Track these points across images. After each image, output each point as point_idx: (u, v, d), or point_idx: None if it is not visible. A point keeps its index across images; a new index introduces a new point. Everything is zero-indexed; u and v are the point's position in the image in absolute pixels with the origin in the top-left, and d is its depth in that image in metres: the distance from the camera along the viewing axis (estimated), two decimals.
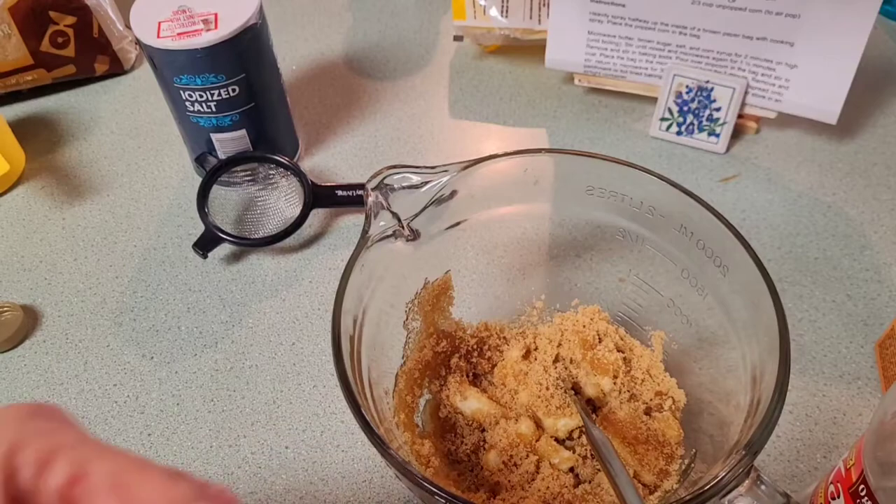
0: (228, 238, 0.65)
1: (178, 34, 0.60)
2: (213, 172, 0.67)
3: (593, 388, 0.50)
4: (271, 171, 0.69)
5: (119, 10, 0.82)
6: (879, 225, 0.67)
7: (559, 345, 0.52)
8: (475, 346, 0.54)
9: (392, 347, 0.51)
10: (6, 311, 0.61)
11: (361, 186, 0.69)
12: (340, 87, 0.82)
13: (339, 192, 0.68)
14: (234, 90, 0.63)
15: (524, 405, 0.50)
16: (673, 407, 0.50)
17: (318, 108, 0.80)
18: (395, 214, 0.48)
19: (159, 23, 0.61)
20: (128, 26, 0.82)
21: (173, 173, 0.74)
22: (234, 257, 0.66)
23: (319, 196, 0.67)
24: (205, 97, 0.63)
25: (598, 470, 0.48)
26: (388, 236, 0.47)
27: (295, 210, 0.67)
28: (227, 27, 0.61)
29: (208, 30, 0.60)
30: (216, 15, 0.61)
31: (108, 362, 0.59)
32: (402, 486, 0.52)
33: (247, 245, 0.66)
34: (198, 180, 0.69)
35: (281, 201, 0.69)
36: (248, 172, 0.69)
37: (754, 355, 0.44)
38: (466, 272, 0.55)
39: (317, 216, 0.69)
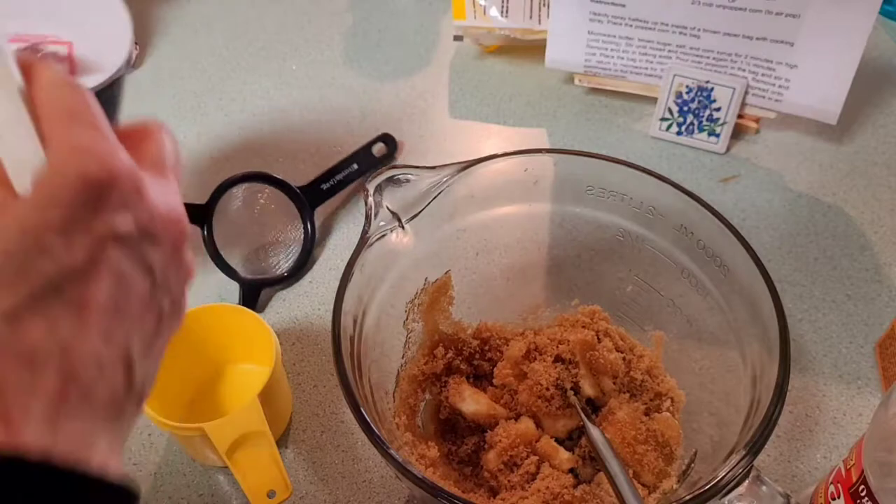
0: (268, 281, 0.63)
1: None
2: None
3: (593, 388, 0.50)
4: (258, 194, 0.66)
5: None
6: (879, 225, 0.67)
7: (559, 345, 0.52)
8: (477, 349, 0.54)
9: (392, 347, 0.51)
10: None
11: (340, 167, 0.69)
12: (340, 87, 0.82)
13: (323, 186, 0.67)
14: None
15: (524, 405, 0.50)
16: (672, 407, 0.50)
17: (318, 109, 0.79)
18: (395, 214, 0.48)
19: None
20: None
21: None
22: None
23: (314, 200, 0.67)
24: None
25: (598, 470, 0.48)
26: (388, 236, 0.47)
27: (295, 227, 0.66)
28: (86, 76, 0.45)
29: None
30: (70, 50, 0.45)
31: None
32: (402, 486, 0.52)
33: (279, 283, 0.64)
34: None
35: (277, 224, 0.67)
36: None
37: (754, 355, 0.44)
38: (466, 272, 0.55)
39: (317, 216, 0.69)
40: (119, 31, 0.47)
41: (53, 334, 0.24)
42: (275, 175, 0.64)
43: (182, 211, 0.30)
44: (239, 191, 0.64)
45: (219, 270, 0.62)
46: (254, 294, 0.62)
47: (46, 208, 0.24)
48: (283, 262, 0.64)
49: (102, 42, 0.46)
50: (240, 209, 0.64)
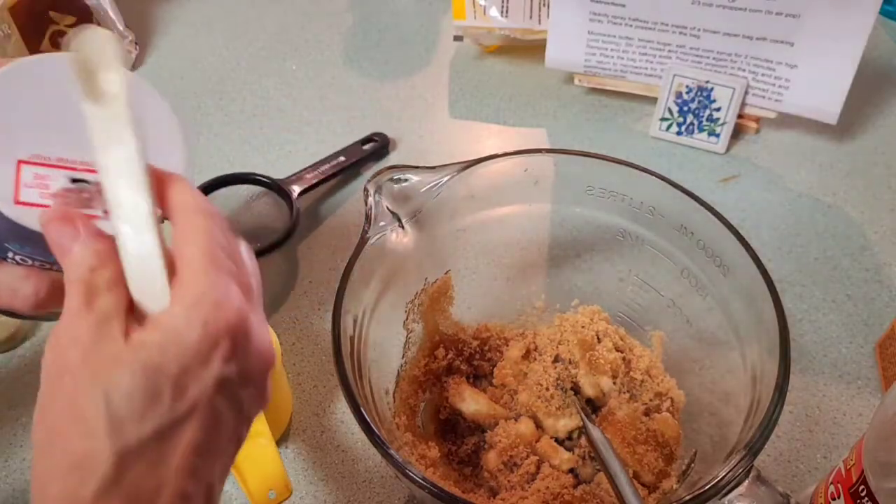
0: None
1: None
2: None
3: (593, 388, 0.50)
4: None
5: (119, 10, 0.81)
6: (879, 225, 0.67)
7: (559, 345, 0.52)
8: (477, 349, 0.54)
9: (392, 347, 0.51)
10: None
11: (327, 159, 0.69)
12: (340, 87, 0.82)
13: (308, 176, 0.68)
14: None
15: (524, 405, 0.50)
16: (672, 408, 0.50)
17: (318, 109, 0.79)
18: (395, 214, 0.48)
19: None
20: (128, 26, 0.82)
21: None
22: None
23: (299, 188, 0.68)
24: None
25: (598, 470, 0.48)
26: (387, 236, 0.47)
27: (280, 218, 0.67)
28: None
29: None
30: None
31: None
32: (402, 486, 0.52)
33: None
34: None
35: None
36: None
37: (754, 355, 0.44)
38: (466, 272, 0.55)
39: (316, 217, 0.69)
40: (172, 165, 0.36)
41: (153, 474, 0.26)
42: (252, 174, 0.66)
43: (271, 344, 0.31)
44: (220, 192, 0.65)
45: None
46: None
47: (169, 355, 0.26)
48: (269, 240, 0.65)
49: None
50: (224, 205, 0.66)
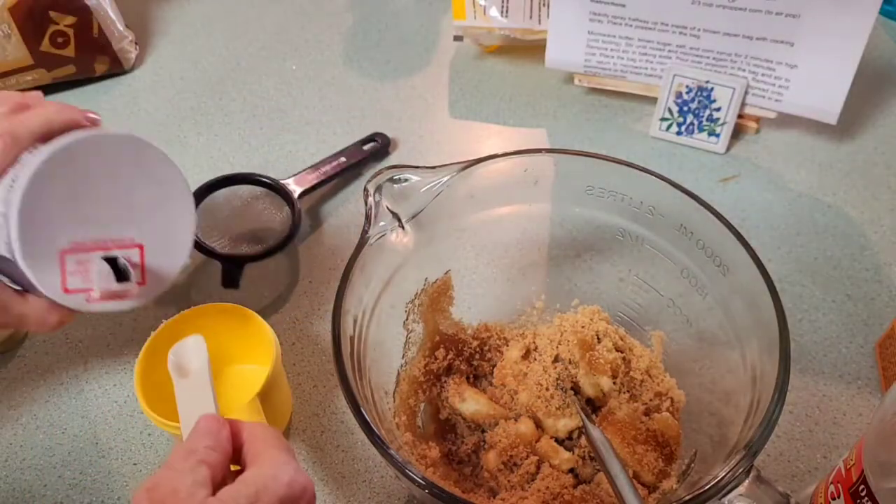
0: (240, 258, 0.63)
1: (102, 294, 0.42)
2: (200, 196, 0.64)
3: (593, 388, 0.50)
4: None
5: (119, 10, 0.81)
6: (879, 225, 0.67)
7: (559, 345, 0.52)
8: (477, 349, 0.54)
9: (392, 347, 0.51)
10: None
11: (328, 160, 0.69)
12: (340, 87, 0.82)
13: (309, 177, 0.68)
14: None
15: (524, 405, 0.50)
16: (672, 407, 0.50)
17: (318, 109, 0.80)
18: (395, 215, 0.48)
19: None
20: (128, 26, 0.82)
21: None
22: None
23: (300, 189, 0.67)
24: None
25: (598, 470, 0.48)
26: (387, 236, 0.47)
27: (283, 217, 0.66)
28: (157, 280, 0.44)
29: (139, 284, 0.43)
30: (141, 256, 0.43)
31: (108, 362, 0.59)
32: (402, 486, 0.52)
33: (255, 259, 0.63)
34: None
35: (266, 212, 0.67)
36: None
37: (754, 355, 0.44)
38: (466, 272, 0.55)
39: (316, 217, 0.69)
40: (184, 227, 0.44)
41: None
42: (254, 174, 0.65)
43: None
44: (221, 192, 0.65)
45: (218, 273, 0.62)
46: (235, 271, 0.62)
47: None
48: (269, 242, 0.64)
49: (168, 243, 0.44)
50: (225, 205, 0.66)
